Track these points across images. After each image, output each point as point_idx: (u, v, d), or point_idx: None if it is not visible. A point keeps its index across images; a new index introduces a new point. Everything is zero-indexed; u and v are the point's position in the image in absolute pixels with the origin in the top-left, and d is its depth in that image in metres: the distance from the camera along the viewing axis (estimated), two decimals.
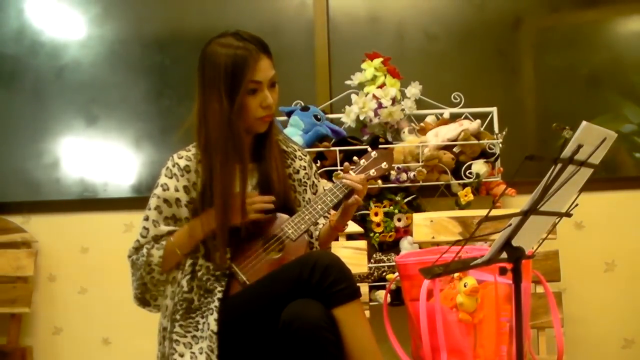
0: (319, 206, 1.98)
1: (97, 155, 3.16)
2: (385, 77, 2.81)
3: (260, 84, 1.90)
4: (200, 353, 1.85)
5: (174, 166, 1.96)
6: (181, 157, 1.97)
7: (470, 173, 2.75)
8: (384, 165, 2.07)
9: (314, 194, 2.13)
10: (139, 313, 2.03)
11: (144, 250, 1.93)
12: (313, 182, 2.14)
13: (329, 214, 2.14)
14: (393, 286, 2.57)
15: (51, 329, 3.07)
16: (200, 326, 1.90)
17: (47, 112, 3.17)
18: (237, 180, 1.93)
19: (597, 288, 2.92)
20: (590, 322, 2.90)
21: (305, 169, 2.11)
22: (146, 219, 1.95)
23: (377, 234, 2.73)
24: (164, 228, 1.94)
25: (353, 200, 1.99)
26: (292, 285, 1.81)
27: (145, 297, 1.98)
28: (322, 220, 2.15)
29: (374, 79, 2.81)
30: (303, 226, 1.96)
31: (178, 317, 1.92)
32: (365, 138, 2.84)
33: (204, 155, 1.94)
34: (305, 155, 2.15)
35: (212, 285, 1.93)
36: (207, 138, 1.92)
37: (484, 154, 2.77)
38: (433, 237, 2.42)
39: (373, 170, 2.06)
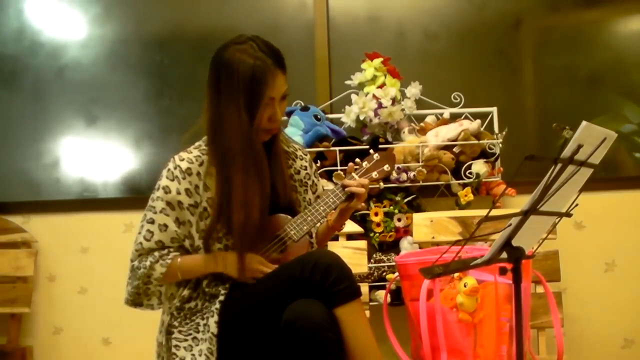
0: (321, 207, 1.98)
1: (97, 155, 3.16)
2: (385, 77, 2.81)
3: (273, 99, 1.89)
4: (200, 355, 1.85)
5: (175, 168, 1.93)
6: (182, 160, 1.94)
7: (470, 173, 2.74)
8: (386, 167, 2.06)
9: (314, 193, 2.12)
10: (139, 313, 2.03)
11: (148, 263, 1.90)
12: (313, 181, 2.14)
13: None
14: (393, 286, 2.57)
15: (51, 329, 3.07)
16: (200, 328, 1.89)
17: (47, 112, 3.17)
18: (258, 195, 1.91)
19: (597, 288, 2.91)
20: (590, 322, 2.90)
21: (306, 169, 2.11)
22: (151, 221, 1.92)
23: (377, 234, 2.72)
24: (169, 233, 1.92)
25: (355, 204, 1.99)
26: (292, 284, 1.81)
27: (136, 301, 1.98)
28: None
29: (374, 79, 2.80)
30: (305, 227, 1.96)
31: (176, 323, 1.92)
32: (365, 138, 2.84)
33: (221, 167, 1.91)
34: (306, 155, 2.15)
35: (216, 290, 1.93)
36: (226, 150, 1.89)
37: (484, 154, 2.77)
38: (433, 237, 2.42)
39: (375, 172, 2.05)
